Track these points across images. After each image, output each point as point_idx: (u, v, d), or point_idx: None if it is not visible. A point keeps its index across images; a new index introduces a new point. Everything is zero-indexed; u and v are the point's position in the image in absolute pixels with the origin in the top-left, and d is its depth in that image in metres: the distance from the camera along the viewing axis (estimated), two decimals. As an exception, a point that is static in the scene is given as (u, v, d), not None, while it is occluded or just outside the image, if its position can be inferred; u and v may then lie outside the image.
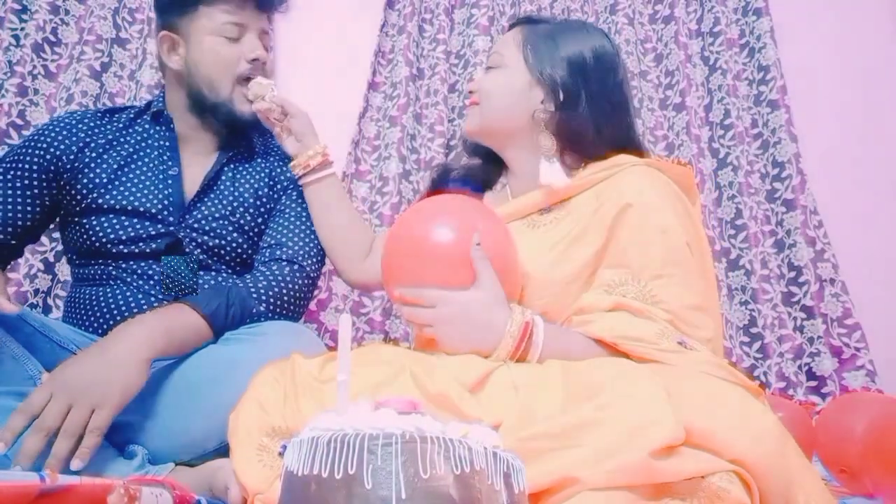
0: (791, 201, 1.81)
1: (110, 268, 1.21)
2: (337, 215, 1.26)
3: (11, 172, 1.20)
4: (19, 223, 1.19)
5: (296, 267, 1.21)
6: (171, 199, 1.23)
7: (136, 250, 1.20)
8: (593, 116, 1.07)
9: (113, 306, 1.18)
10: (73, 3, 1.78)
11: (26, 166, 1.20)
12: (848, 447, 1.21)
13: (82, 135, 1.25)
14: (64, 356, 1.10)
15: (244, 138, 1.32)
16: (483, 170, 1.24)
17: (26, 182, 1.20)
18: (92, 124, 1.27)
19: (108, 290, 1.20)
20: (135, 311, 1.17)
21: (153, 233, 1.21)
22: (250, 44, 1.23)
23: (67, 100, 1.67)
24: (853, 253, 1.81)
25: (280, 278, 1.19)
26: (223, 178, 1.28)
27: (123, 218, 1.21)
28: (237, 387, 0.89)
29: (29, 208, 1.20)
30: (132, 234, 1.20)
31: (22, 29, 1.72)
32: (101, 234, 1.20)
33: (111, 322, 1.17)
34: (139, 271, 1.20)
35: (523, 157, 1.14)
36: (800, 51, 1.96)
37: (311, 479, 0.51)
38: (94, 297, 1.20)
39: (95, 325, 1.18)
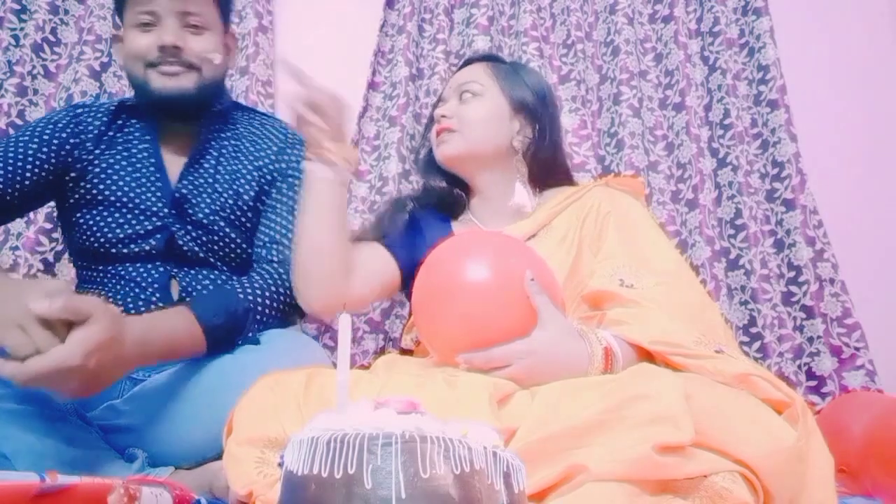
0: (791, 201, 1.80)
1: (111, 272, 1.21)
2: (336, 223, 1.10)
3: (15, 145, 1.21)
4: (17, 184, 1.19)
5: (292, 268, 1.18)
6: (160, 192, 1.22)
7: (137, 249, 1.20)
8: (555, 146, 1.23)
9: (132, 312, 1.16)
10: (73, 3, 1.78)
11: (32, 147, 1.21)
12: (848, 447, 1.21)
13: (83, 127, 1.25)
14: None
15: (206, 121, 1.28)
16: (451, 197, 1.25)
17: (30, 158, 1.20)
18: (91, 118, 1.27)
19: (110, 295, 1.19)
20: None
21: (150, 228, 1.20)
22: (162, 29, 1.19)
23: (67, 100, 1.67)
24: (853, 253, 1.81)
25: (277, 282, 1.15)
26: (208, 167, 1.26)
27: (118, 215, 1.20)
28: (239, 395, 0.88)
29: (28, 174, 1.19)
30: (129, 231, 1.20)
31: (21, 29, 1.72)
32: (98, 233, 1.20)
33: None
34: (138, 277, 1.19)
35: (494, 182, 1.21)
36: (800, 51, 1.96)
37: (310, 479, 0.51)
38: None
39: None
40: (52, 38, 1.74)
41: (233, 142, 1.30)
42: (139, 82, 1.21)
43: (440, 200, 1.27)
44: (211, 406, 0.98)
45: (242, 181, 1.26)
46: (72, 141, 1.23)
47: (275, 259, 1.20)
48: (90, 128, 1.26)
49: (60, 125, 1.24)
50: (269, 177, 1.28)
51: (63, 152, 1.22)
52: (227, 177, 1.26)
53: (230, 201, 1.24)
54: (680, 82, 1.89)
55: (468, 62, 1.30)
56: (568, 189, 1.22)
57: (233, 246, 1.25)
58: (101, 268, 1.22)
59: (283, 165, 1.29)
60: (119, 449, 1.03)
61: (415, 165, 1.32)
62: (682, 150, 1.86)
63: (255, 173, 1.28)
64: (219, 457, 0.95)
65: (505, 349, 0.85)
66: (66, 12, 1.77)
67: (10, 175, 1.19)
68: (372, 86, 1.85)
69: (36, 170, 1.20)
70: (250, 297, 1.11)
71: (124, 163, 1.24)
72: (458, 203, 1.27)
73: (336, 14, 1.94)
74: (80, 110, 1.28)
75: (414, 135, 1.82)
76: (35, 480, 0.64)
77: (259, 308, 1.11)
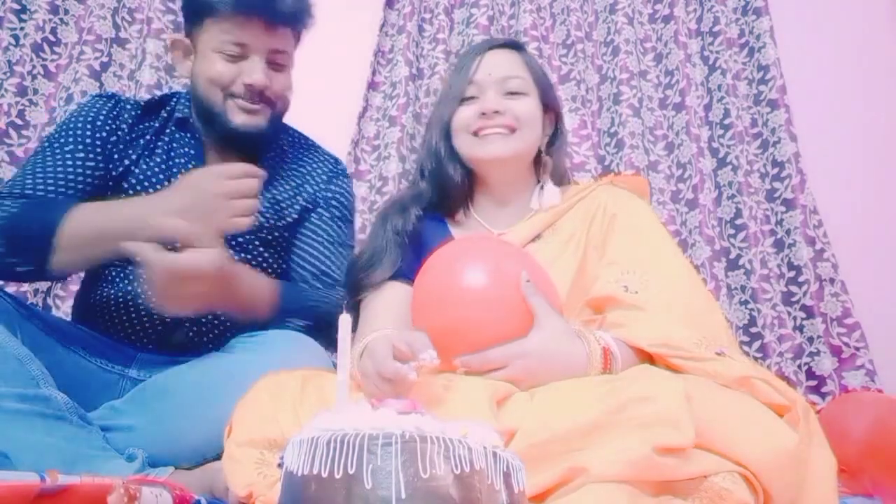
0: (791, 201, 1.81)
1: (130, 270, 1.18)
2: None
3: (72, 141, 1.19)
4: (70, 186, 1.17)
5: (340, 294, 1.21)
6: None
7: None
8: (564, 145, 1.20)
9: (132, 309, 1.16)
10: (73, 2, 1.78)
11: (80, 157, 1.19)
12: (848, 447, 1.21)
13: (119, 123, 1.23)
14: (69, 357, 1.10)
15: (264, 150, 1.27)
16: (458, 193, 1.17)
17: (79, 167, 1.18)
18: (121, 111, 1.25)
19: (130, 292, 1.17)
20: (155, 316, 1.16)
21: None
22: (251, 66, 1.17)
23: (67, 100, 1.67)
24: (853, 253, 1.81)
25: (328, 306, 1.18)
26: None
27: None
28: (238, 396, 0.88)
29: (80, 185, 1.18)
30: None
31: (21, 29, 1.72)
32: None
33: (127, 325, 1.17)
34: None
35: (514, 182, 1.15)
36: (800, 51, 1.96)
37: (310, 479, 0.51)
38: (112, 299, 1.17)
39: (110, 326, 1.17)
40: (52, 38, 1.74)
41: (277, 162, 1.29)
42: (216, 110, 1.19)
43: (443, 195, 1.18)
44: (211, 406, 0.98)
45: (284, 203, 1.26)
46: (112, 139, 1.22)
47: (328, 285, 1.23)
48: (121, 121, 1.24)
49: (98, 123, 1.22)
50: (312, 202, 1.29)
51: (105, 150, 1.21)
52: (268, 196, 1.25)
53: (270, 222, 1.24)
54: (680, 82, 1.89)
55: (497, 46, 1.18)
56: (571, 188, 1.19)
57: (265, 265, 1.24)
58: (119, 266, 1.19)
59: (329, 194, 1.30)
60: (119, 449, 1.02)
61: (431, 152, 1.18)
62: (682, 150, 1.86)
63: (297, 198, 1.28)
64: (219, 457, 0.95)
65: (501, 350, 0.84)
66: (66, 12, 1.77)
67: (63, 191, 1.16)
68: (372, 86, 1.86)
69: (88, 179, 1.18)
70: (321, 306, 1.17)
71: (161, 176, 1.22)
72: (461, 199, 1.18)
73: (336, 14, 1.94)
74: (111, 103, 1.26)
75: (414, 135, 1.82)
76: (35, 480, 0.65)
77: (314, 316, 1.16)
